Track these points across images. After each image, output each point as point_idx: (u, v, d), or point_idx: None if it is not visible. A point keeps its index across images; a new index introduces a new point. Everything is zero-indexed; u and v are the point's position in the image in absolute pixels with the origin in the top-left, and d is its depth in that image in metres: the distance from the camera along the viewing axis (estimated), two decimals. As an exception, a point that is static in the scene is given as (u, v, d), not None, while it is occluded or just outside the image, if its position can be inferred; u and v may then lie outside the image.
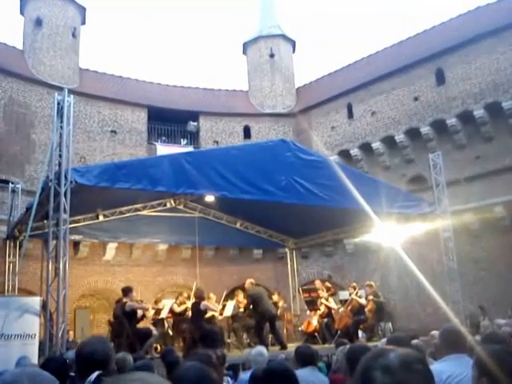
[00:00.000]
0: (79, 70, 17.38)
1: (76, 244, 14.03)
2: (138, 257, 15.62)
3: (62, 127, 7.33)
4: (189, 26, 53.02)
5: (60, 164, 7.20)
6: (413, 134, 15.72)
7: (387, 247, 13.20)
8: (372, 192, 9.18)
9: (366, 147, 16.68)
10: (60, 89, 10.33)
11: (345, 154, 17.08)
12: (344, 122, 17.38)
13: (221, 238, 13.86)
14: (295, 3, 52.02)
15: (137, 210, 11.40)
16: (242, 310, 10.95)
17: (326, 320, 11.42)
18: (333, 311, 11.42)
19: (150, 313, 10.37)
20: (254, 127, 18.63)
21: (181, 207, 12.17)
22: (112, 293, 14.28)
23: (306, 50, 57.70)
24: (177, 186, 7.90)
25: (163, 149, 16.63)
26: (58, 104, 7.47)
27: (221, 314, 10.57)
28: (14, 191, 11.42)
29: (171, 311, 10.71)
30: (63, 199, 7.04)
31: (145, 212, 11.61)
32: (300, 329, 12.79)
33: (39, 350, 7.35)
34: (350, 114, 17.28)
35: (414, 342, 4.17)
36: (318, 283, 12.42)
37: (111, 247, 14.93)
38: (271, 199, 8.59)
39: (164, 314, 10.76)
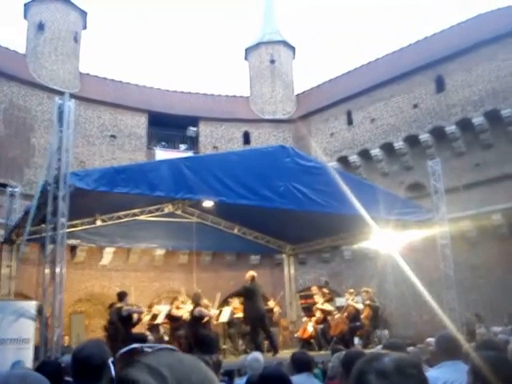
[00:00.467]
0: (80, 74, 17.44)
1: (73, 248, 14.01)
2: (134, 262, 15.59)
3: (61, 131, 7.31)
4: (190, 31, 53.34)
5: (59, 168, 7.20)
6: (412, 141, 15.76)
7: (384, 254, 13.17)
8: (370, 198, 9.18)
9: (364, 154, 16.71)
10: (60, 93, 10.34)
11: (344, 161, 17.12)
12: (343, 128, 17.43)
13: (218, 244, 13.81)
14: (296, 10, 52.36)
15: (135, 215, 11.38)
16: (238, 315, 10.90)
17: (321, 326, 11.36)
18: (329, 317, 11.37)
19: (146, 317, 10.31)
20: (253, 133, 18.67)
21: (179, 212, 12.15)
22: (108, 298, 14.20)
23: (307, 56, 57.97)
24: (175, 191, 7.88)
25: (162, 154, 16.65)
26: (59, 108, 7.47)
27: (217, 319, 10.52)
28: (12, 195, 11.43)
29: (168, 316, 10.65)
30: (61, 203, 7.03)
31: (142, 217, 11.60)
32: (296, 335, 12.72)
33: (34, 354, 7.30)
34: (350, 121, 17.33)
35: (410, 349, 4.17)
36: (314, 289, 12.39)
37: (108, 252, 14.90)
38: (269, 205, 8.57)
39: (160, 319, 10.70)
